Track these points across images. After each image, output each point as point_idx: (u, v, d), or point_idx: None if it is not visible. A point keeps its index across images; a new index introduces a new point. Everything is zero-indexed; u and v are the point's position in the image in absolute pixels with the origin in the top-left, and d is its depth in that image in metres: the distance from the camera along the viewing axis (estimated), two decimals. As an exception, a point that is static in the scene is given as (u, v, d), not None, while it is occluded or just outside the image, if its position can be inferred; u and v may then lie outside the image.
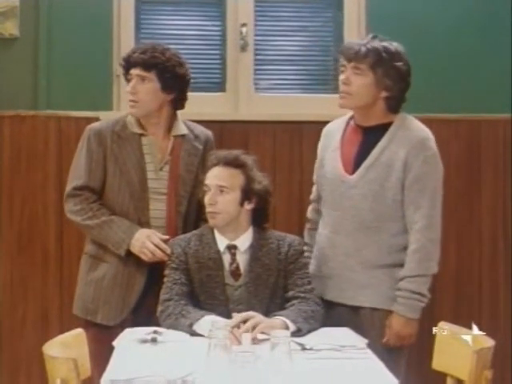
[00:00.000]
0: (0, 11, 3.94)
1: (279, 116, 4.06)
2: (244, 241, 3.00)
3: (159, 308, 2.95)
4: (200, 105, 3.92)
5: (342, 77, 3.10)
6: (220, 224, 2.99)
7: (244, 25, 4.11)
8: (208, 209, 2.99)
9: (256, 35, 4.17)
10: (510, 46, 4.12)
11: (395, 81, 3.06)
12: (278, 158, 4.02)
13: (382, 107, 3.09)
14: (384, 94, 3.07)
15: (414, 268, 3.01)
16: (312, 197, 3.36)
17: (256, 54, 4.18)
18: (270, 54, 4.23)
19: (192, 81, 3.35)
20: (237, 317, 2.77)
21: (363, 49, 3.04)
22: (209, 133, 3.40)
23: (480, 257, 4.15)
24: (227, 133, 3.94)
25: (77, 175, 3.26)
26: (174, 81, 3.23)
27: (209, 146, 3.35)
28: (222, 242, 3.00)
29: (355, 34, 4.10)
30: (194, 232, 3.11)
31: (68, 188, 3.27)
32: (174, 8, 4.22)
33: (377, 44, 3.06)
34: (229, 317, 2.84)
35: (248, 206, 3.01)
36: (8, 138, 3.96)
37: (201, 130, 3.38)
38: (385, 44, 3.07)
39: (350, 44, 3.12)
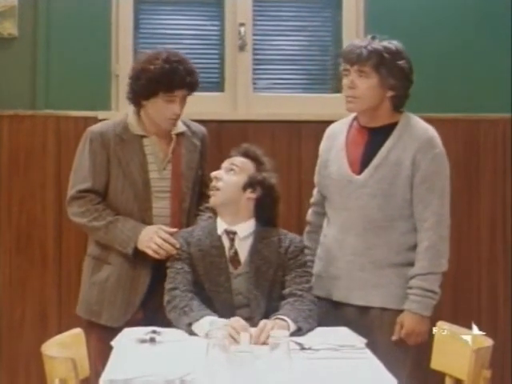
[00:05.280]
0: (-2, 11, 3.94)
1: (278, 116, 4.06)
2: (244, 228, 3.01)
3: (165, 298, 2.95)
4: (199, 104, 3.91)
5: (345, 81, 3.09)
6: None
7: (242, 24, 4.11)
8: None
9: (254, 35, 4.16)
10: (509, 45, 4.12)
11: (399, 79, 3.06)
12: (277, 157, 3.98)
13: (388, 107, 3.10)
14: (390, 93, 3.07)
15: (426, 266, 3.01)
16: (313, 200, 3.35)
17: (254, 54, 4.17)
18: (268, 54, 4.23)
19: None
20: (236, 325, 2.71)
21: (365, 51, 3.03)
22: (203, 129, 3.45)
23: (479, 257, 4.15)
24: (226, 132, 3.94)
25: (81, 179, 3.24)
26: None
27: (205, 141, 3.42)
28: (221, 226, 3.03)
29: (354, 33, 4.10)
30: (197, 225, 3.18)
31: (72, 191, 3.25)
32: (172, 8, 4.21)
33: (377, 45, 3.06)
34: (232, 305, 2.87)
35: (250, 195, 3.03)
36: (6, 138, 3.95)
37: (196, 126, 3.42)
38: (385, 44, 3.07)
39: (351, 47, 3.09)
